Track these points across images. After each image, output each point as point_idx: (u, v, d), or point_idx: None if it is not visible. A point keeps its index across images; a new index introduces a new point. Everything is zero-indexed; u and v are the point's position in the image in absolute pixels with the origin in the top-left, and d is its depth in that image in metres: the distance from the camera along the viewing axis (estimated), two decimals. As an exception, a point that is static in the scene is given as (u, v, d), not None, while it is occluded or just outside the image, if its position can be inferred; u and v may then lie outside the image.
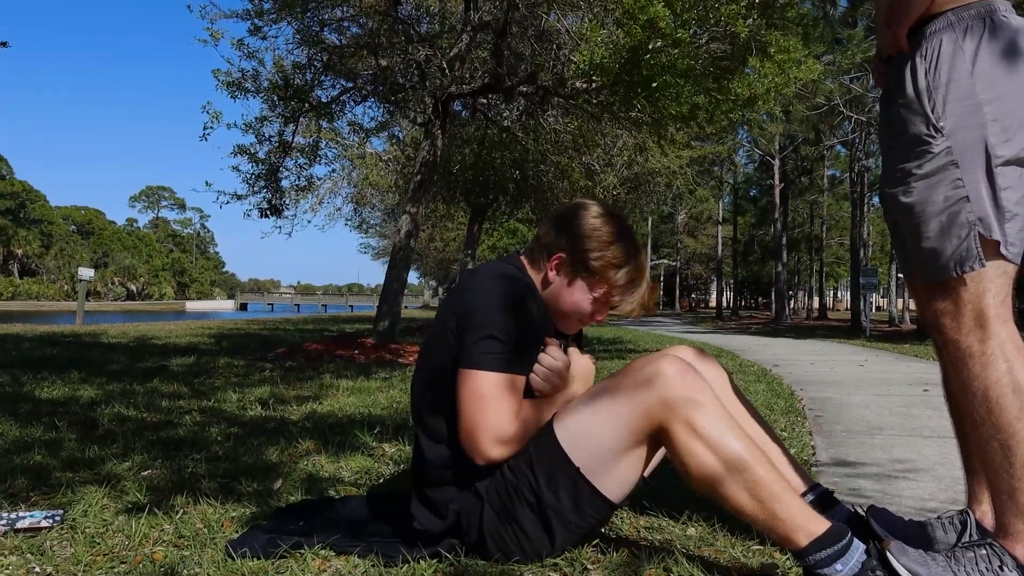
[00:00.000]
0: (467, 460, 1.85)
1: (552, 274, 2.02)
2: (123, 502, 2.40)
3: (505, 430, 1.79)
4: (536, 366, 1.92)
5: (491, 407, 1.79)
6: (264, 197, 10.74)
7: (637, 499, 2.31)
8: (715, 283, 59.26)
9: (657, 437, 1.76)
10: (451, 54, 9.72)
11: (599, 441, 1.78)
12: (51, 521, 2.16)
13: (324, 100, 10.56)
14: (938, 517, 1.86)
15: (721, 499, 1.71)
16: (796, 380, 6.93)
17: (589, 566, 1.86)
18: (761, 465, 1.68)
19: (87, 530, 2.12)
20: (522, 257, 2.07)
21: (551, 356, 1.93)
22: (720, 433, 1.70)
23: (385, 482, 2.76)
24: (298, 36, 10.07)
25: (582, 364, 2.02)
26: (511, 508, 1.84)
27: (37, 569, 1.83)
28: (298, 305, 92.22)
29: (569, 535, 1.86)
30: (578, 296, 2.01)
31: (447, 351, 1.88)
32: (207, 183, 12.26)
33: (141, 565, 1.86)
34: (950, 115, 1.57)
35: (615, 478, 1.81)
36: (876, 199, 29.88)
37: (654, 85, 7.49)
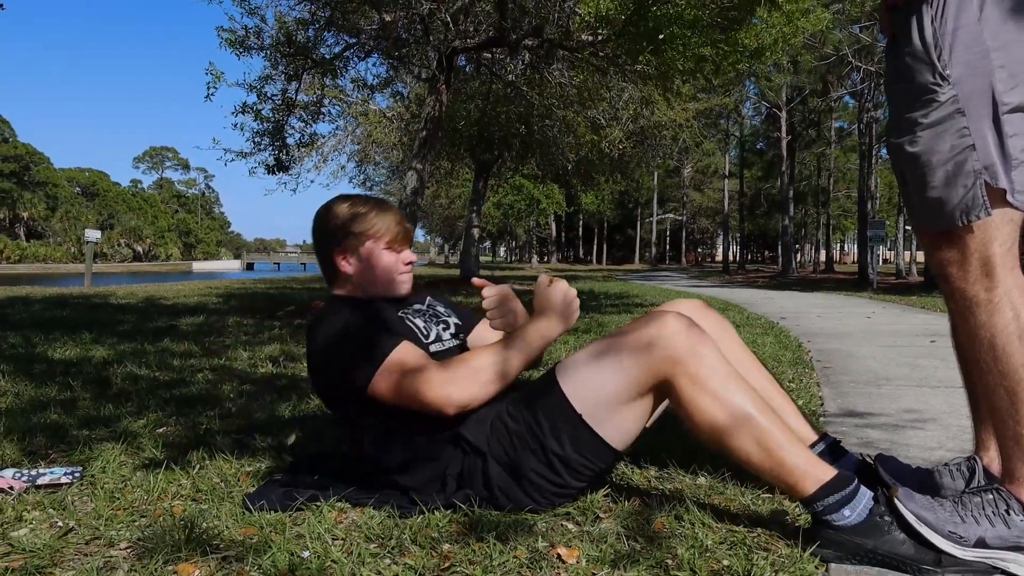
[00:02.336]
0: (442, 426, 1.92)
1: (349, 267, 2.13)
2: (140, 458, 2.44)
3: (443, 383, 1.85)
4: (488, 312, 2.06)
5: (413, 383, 1.86)
6: (271, 154, 10.71)
7: (648, 449, 2.34)
8: (721, 237, 59.07)
9: (661, 389, 1.79)
10: (455, 7, 9.61)
11: (604, 392, 1.81)
12: (71, 477, 2.20)
13: (327, 57, 10.46)
14: (945, 464, 1.88)
15: (728, 451, 1.73)
16: (803, 332, 6.94)
17: (601, 515, 1.89)
18: (766, 415, 1.71)
19: (106, 486, 2.15)
20: (333, 293, 2.20)
21: (487, 294, 2.06)
22: (724, 386, 1.73)
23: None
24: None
25: (558, 289, 1.99)
26: (516, 457, 1.87)
27: (60, 523, 1.87)
28: (304, 264, 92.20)
29: (575, 481, 1.89)
30: (376, 259, 2.13)
31: (340, 389, 2.00)
32: (214, 140, 12.36)
33: (161, 519, 1.89)
34: (956, 63, 1.56)
35: (618, 426, 1.85)
36: (884, 151, 29.65)
37: (660, 37, 7.41)
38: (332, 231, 2.13)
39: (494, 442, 1.89)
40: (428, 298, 2.32)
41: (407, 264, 2.19)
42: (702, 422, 1.73)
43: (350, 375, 1.92)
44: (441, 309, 2.29)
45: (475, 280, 2.18)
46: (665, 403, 1.89)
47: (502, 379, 1.89)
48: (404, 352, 1.90)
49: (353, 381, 1.91)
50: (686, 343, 1.75)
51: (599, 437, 1.83)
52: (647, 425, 1.93)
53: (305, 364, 4.51)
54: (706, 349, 1.76)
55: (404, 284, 2.19)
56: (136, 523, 1.88)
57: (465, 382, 1.85)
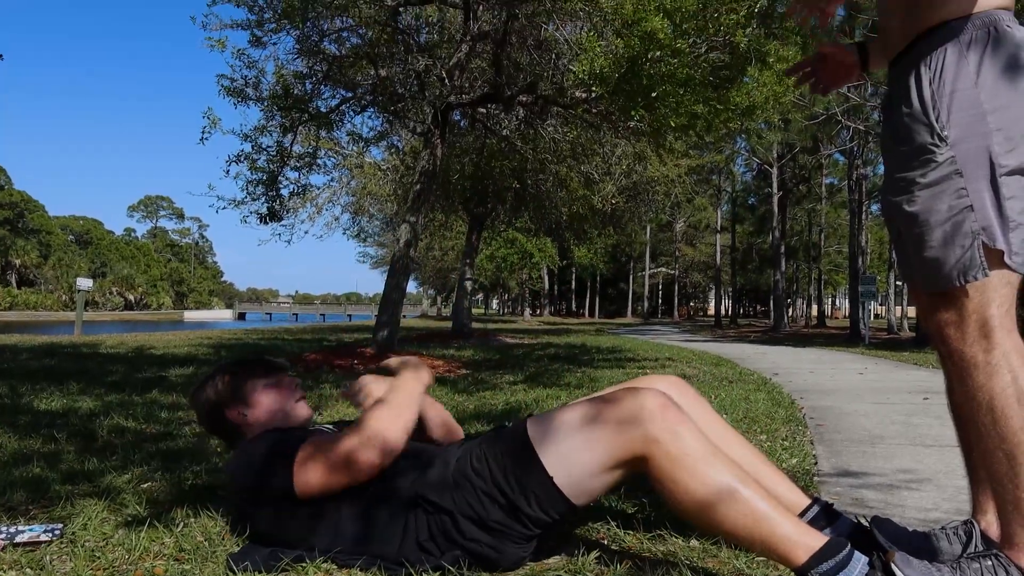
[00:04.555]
0: (386, 495, 1.95)
1: (243, 418, 2.23)
2: (123, 515, 2.39)
3: (359, 438, 1.92)
4: (354, 399, 2.25)
5: (332, 455, 1.93)
6: (264, 203, 10.74)
7: (639, 510, 2.31)
8: (713, 291, 59.29)
9: (636, 464, 1.79)
10: (450, 64, 9.75)
11: (578, 462, 1.81)
12: (50, 535, 2.14)
13: (323, 110, 10.56)
14: (942, 528, 1.84)
15: (715, 527, 1.72)
16: (796, 389, 6.92)
17: (593, 578, 1.85)
18: (750, 487, 1.70)
19: (87, 544, 2.10)
20: (246, 440, 2.23)
21: (347, 387, 2.30)
22: (704, 462, 1.72)
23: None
24: (298, 46, 10.09)
25: (392, 360, 2.28)
26: (483, 513, 1.86)
27: (37, 583, 1.81)
28: (296, 315, 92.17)
29: (532, 530, 1.87)
30: (261, 399, 2.24)
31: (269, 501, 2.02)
32: (209, 186, 12.44)
33: (141, 579, 1.84)
34: (954, 124, 1.57)
35: (587, 491, 1.85)
36: (875, 207, 29.96)
37: (653, 95, 7.52)
38: (211, 404, 2.26)
39: (460, 499, 1.87)
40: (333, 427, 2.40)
41: (295, 388, 2.32)
42: (684, 500, 1.72)
43: (273, 481, 1.96)
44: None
45: (342, 391, 2.36)
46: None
47: (406, 408, 2.03)
48: (313, 439, 2.00)
49: (279, 485, 1.95)
50: (663, 422, 1.75)
51: (569, 501, 1.83)
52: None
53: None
54: (684, 428, 1.76)
55: (301, 408, 2.31)
56: (116, 584, 1.83)
57: (377, 424, 1.95)
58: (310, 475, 1.92)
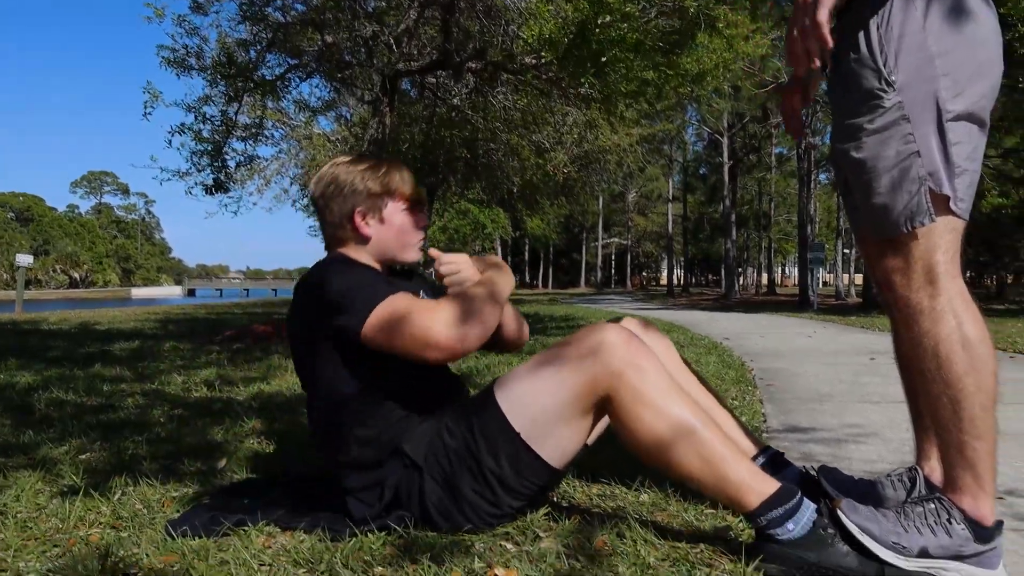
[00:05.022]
0: (389, 434, 1.85)
1: (365, 227, 2.04)
2: (58, 486, 2.31)
3: (439, 317, 1.76)
4: (446, 278, 2.00)
5: (410, 318, 1.76)
6: (210, 175, 10.49)
7: (589, 467, 2.29)
8: (666, 261, 59.73)
9: (601, 405, 1.74)
10: (399, 30, 9.57)
11: (542, 408, 1.75)
12: (-20, 506, 2.06)
13: (268, 78, 10.31)
14: (887, 475, 1.86)
15: (669, 466, 1.69)
16: (746, 352, 7.00)
17: (541, 534, 1.83)
18: (708, 429, 1.67)
19: (19, 515, 2.03)
20: (337, 252, 2.08)
21: (444, 261, 2.02)
22: (666, 399, 1.68)
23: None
24: (241, 12, 9.82)
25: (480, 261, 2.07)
26: (452, 475, 1.80)
27: (-37, 555, 1.74)
28: (247, 290, 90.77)
29: (513, 501, 1.82)
30: (395, 220, 2.06)
31: (329, 338, 1.87)
32: (152, 157, 12.12)
33: (75, 548, 1.78)
34: (902, 69, 1.55)
35: (557, 444, 1.78)
36: (823, 176, 30.40)
37: (603, 60, 7.46)
38: (355, 188, 2.03)
39: (431, 458, 1.82)
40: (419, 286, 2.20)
41: (421, 229, 2.12)
42: (643, 436, 1.68)
43: (345, 317, 1.81)
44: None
45: (431, 251, 2.09)
46: (605, 420, 1.84)
47: (499, 307, 1.88)
48: (401, 296, 1.82)
49: (348, 324, 1.80)
50: (626, 355, 1.70)
51: (536, 455, 1.77)
52: (587, 442, 1.88)
53: (240, 388, 4.40)
54: (647, 362, 1.71)
55: (415, 250, 2.12)
56: (48, 553, 1.77)
57: (468, 311, 1.78)
58: (383, 327, 1.77)
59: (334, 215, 2.05)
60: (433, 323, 1.74)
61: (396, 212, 2.06)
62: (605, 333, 1.74)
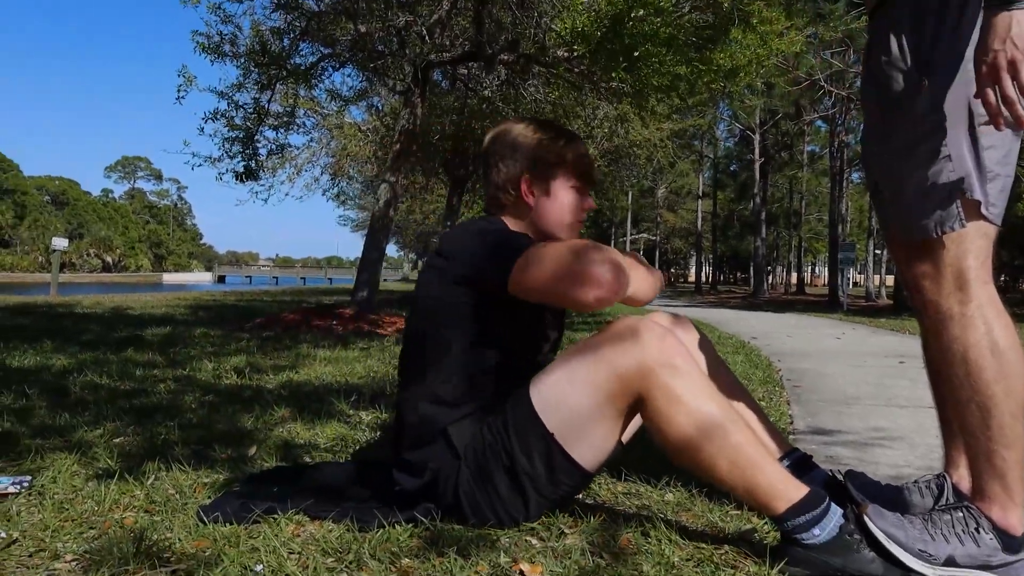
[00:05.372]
0: (444, 414, 1.86)
1: (530, 198, 2.00)
2: (93, 468, 2.36)
3: (596, 259, 1.66)
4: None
5: (565, 259, 1.69)
6: (240, 162, 10.60)
7: (615, 465, 2.30)
8: (694, 258, 59.41)
9: (634, 404, 1.73)
10: (431, 20, 9.59)
11: (574, 407, 1.75)
12: (18, 487, 2.11)
13: (302, 66, 10.39)
14: (915, 481, 1.86)
15: (699, 466, 1.67)
16: (774, 352, 6.96)
17: (566, 531, 1.84)
18: (740, 431, 1.66)
19: (55, 496, 2.07)
20: (497, 217, 2.05)
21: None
22: (699, 398, 1.66)
23: (361, 449, 2.74)
24: (275, 1, 9.90)
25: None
26: (487, 469, 1.81)
27: (3, 535, 1.78)
28: (276, 278, 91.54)
29: (543, 501, 1.83)
30: (562, 195, 2.01)
31: (445, 303, 1.88)
32: (185, 142, 12.31)
33: (111, 530, 1.82)
34: (933, 72, 1.54)
35: (590, 445, 1.78)
36: (855, 175, 30.04)
37: (635, 54, 7.44)
38: (528, 153, 1.99)
39: (470, 450, 1.84)
40: None
41: (588, 206, 2.06)
42: (674, 435, 1.67)
43: (490, 270, 1.79)
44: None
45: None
46: (638, 419, 1.82)
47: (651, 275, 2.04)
48: (551, 243, 1.80)
49: (495, 267, 1.77)
50: (660, 352, 1.68)
51: (569, 456, 1.77)
52: (622, 441, 1.88)
53: (270, 376, 4.46)
54: (681, 360, 1.69)
55: (574, 232, 2.06)
56: (84, 535, 1.81)
57: (623, 264, 1.69)
58: (532, 269, 1.71)
59: (500, 175, 2.02)
60: (593, 258, 1.65)
61: (563, 188, 2.01)
62: (639, 329, 1.72)
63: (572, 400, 1.75)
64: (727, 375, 2.10)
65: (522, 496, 1.81)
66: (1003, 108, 1.40)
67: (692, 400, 1.66)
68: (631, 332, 1.72)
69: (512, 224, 2.01)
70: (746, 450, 1.64)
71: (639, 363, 1.68)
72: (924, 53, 1.55)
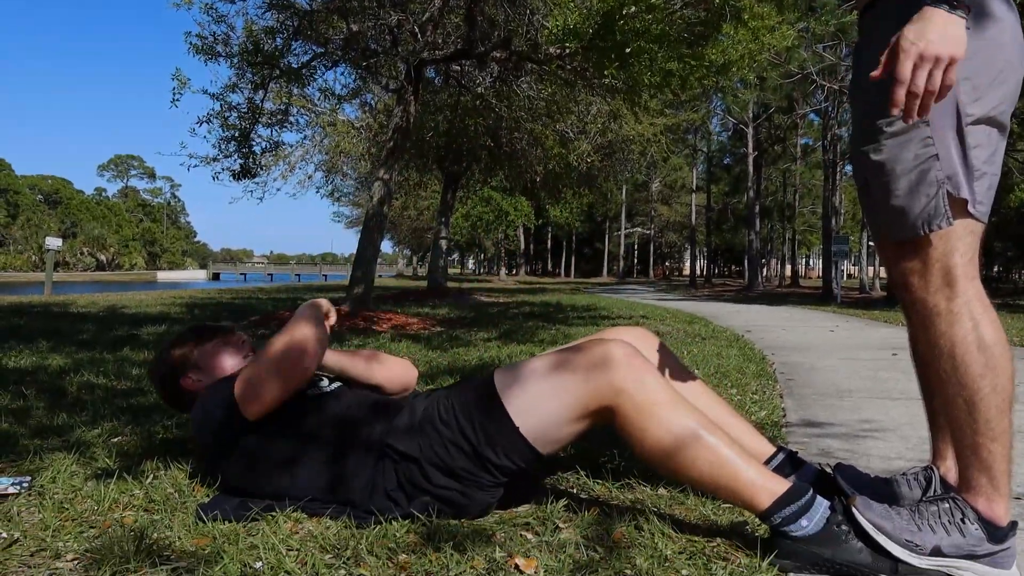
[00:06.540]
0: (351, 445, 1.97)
1: (202, 384, 2.28)
2: (92, 468, 2.38)
3: (271, 350, 2.02)
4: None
5: (257, 373, 2.01)
6: (236, 160, 10.60)
7: (608, 461, 2.33)
8: (689, 251, 59.54)
9: (603, 413, 1.79)
10: (424, 18, 9.60)
11: (545, 412, 1.81)
12: (18, 488, 2.13)
13: (294, 66, 10.38)
14: (903, 473, 1.88)
15: (679, 473, 1.74)
16: (768, 345, 6.99)
17: (561, 525, 1.87)
18: (714, 434, 1.72)
19: (55, 496, 2.09)
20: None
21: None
22: (669, 410, 1.73)
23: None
24: (267, 1, 9.89)
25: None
26: (450, 461, 1.86)
27: (4, 535, 1.81)
28: (271, 275, 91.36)
29: (499, 477, 1.88)
30: (220, 364, 2.31)
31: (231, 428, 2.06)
32: (182, 144, 12.30)
33: (110, 529, 1.84)
34: (921, 72, 1.56)
35: (554, 440, 1.86)
36: (848, 168, 30.08)
37: (627, 51, 7.46)
38: (168, 375, 2.34)
39: (426, 446, 1.88)
40: None
41: (243, 345, 2.38)
42: (650, 447, 1.74)
43: (223, 415, 2.04)
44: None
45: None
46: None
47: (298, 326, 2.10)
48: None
49: (228, 417, 2.02)
50: (629, 371, 1.76)
51: (535, 450, 1.84)
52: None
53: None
54: (649, 376, 1.77)
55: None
56: (84, 534, 1.83)
57: (277, 339, 2.04)
58: (249, 394, 1.97)
59: (179, 399, 2.37)
60: (270, 351, 2.02)
61: (205, 357, 2.32)
62: (609, 349, 1.80)
63: (543, 405, 1.82)
64: (699, 384, 2.17)
65: (482, 476, 1.86)
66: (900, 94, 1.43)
67: (663, 412, 1.73)
68: (602, 353, 1.80)
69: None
70: (722, 451, 1.70)
71: (610, 382, 1.76)
72: None
